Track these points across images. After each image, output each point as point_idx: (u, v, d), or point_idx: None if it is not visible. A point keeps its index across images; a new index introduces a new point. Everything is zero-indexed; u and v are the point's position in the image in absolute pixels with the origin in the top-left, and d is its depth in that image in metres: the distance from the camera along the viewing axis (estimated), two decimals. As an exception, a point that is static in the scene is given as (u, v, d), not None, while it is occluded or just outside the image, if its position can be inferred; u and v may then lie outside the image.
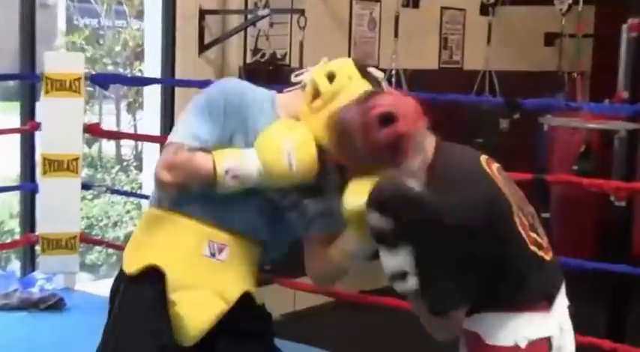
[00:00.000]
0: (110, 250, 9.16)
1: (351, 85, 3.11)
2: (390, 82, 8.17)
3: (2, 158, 7.69)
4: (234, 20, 7.78)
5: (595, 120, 7.36)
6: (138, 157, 10.35)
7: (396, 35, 8.36)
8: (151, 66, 7.80)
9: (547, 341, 2.89)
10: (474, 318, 2.91)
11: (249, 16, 7.76)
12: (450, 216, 2.74)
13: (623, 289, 6.54)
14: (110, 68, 10.49)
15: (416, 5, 8.93)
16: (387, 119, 2.84)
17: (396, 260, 2.83)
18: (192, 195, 3.19)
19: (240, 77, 7.70)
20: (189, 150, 3.15)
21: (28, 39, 6.73)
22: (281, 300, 7.94)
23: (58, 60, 6.74)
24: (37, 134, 6.60)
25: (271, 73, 8.09)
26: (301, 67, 7.58)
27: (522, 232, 2.88)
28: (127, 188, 9.73)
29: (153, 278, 3.23)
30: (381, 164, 2.89)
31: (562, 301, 3.02)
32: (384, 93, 3.02)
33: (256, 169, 3.09)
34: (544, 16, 9.45)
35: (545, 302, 2.92)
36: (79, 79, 6.45)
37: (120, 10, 10.98)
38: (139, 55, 9.54)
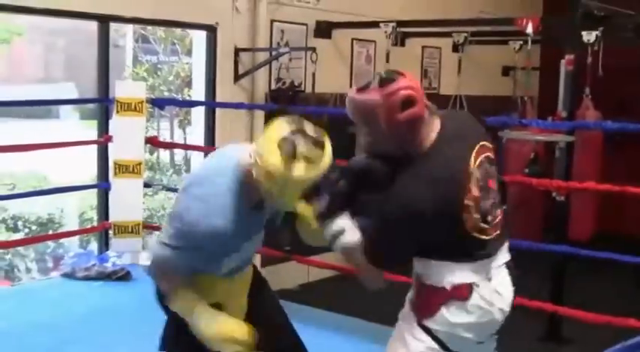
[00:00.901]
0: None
1: (288, 180, 2.81)
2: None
3: (83, 163, 7.67)
4: (262, 56, 7.75)
5: (541, 134, 7.35)
6: (187, 162, 10.35)
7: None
8: (197, 92, 7.80)
9: (469, 286, 2.86)
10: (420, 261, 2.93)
11: (273, 53, 7.79)
12: (400, 195, 2.73)
13: (562, 264, 6.60)
14: (166, 94, 10.48)
15: (402, 44, 8.92)
16: (407, 103, 2.74)
17: (334, 224, 2.85)
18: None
19: (266, 101, 7.73)
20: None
21: (104, 71, 6.72)
22: (297, 273, 7.97)
23: (126, 87, 6.77)
24: (110, 145, 6.61)
25: (290, 97, 8.09)
26: (314, 93, 7.65)
27: (467, 219, 2.78)
28: (179, 186, 9.71)
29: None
30: (399, 139, 2.79)
31: (499, 270, 2.96)
32: (402, 78, 2.79)
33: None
34: (501, 53, 9.44)
35: (468, 259, 2.86)
36: (141, 102, 6.46)
37: (174, 48, 10.99)
38: (188, 83, 9.54)
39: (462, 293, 2.86)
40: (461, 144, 2.85)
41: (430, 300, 2.91)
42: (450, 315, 2.86)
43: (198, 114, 7.81)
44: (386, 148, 2.86)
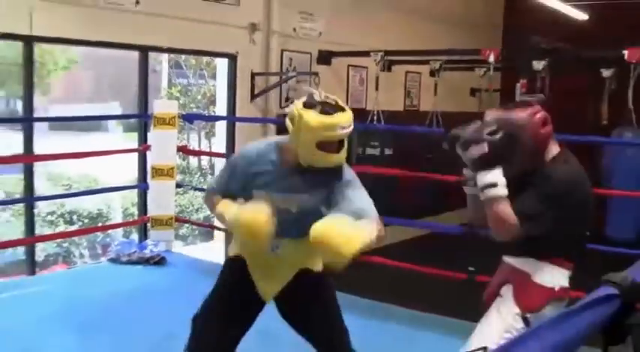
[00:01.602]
0: (194, 226, 9.13)
1: (302, 119, 2.87)
2: (372, 120, 8.19)
3: (127, 168, 7.67)
4: (273, 79, 7.76)
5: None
6: (212, 167, 10.35)
7: (376, 89, 8.34)
8: (220, 109, 7.78)
9: (568, 289, 2.79)
10: (527, 262, 2.79)
11: (283, 77, 7.78)
12: (556, 175, 2.70)
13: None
14: (194, 110, 10.49)
15: (389, 70, 8.91)
16: (545, 121, 2.80)
17: (492, 175, 2.69)
18: None
19: (277, 116, 7.72)
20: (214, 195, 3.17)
21: (143, 92, 6.73)
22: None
23: (162, 105, 6.73)
24: (148, 153, 6.59)
25: None
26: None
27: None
28: (204, 187, 9.72)
29: (240, 260, 3.22)
30: (538, 152, 2.79)
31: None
32: (534, 105, 2.85)
33: (228, 223, 3.00)
34: (469, 77, 9.44)
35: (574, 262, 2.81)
36: (174, 117, 6.44)
37: (201, 73, 11.01)
38: (212, 102, 9.54)
39: (565, 294, 2.79)
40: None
41: (536, 297, 2.77)
42: (550, 312, 2.71)
43: (221, 127, 7.83)
44: (522, 161, 2.79)
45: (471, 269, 5.66)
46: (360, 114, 9.11)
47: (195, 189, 8.44)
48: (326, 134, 2.87)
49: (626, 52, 6.45)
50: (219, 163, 7.89)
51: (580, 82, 8.81)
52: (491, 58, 7.31)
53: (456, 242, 6.02)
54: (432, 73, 8.87)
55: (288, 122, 2.97)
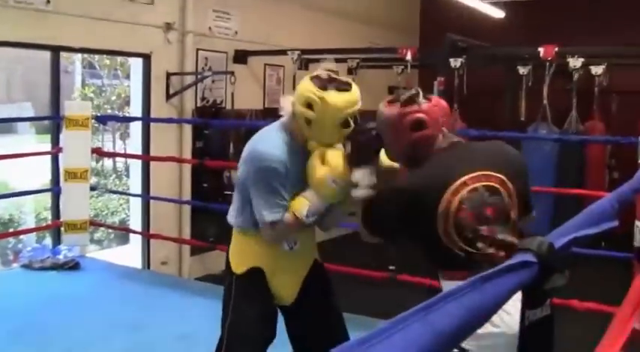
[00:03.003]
0: (109, 230, 9.00)
1: (325, 101, 2.78)
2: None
3: (39, 171, 7.51)
4: (189, 79, 7.72)
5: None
6: (127, 169, 10.20)
7: (294, 88, 8.26)
8: (135, 109, 7.68)
9: None
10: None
11: (199, 76, 7.75)
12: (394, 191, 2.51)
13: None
14: (109, 111, 10.33)
15: (307, 68, 8.91)
16: (418, 126, 2.51)
17: (357, 173, 2.69)
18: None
19: (193, 116, 7.69)
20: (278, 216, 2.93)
21: (55, 93, 6.61)
22: (223, 259, 7.87)
23: (74, 106, 6.63)
24: (61, 155, 6.47)
25: (214, 113, 8.09)
26: (233, 109, 7.61)
27: (443, 234, 2.37)
28: (120, 189, 9.58)
29: (256, 272, 3.07)
30: (404, 154, 2.58)
31: None
32: (426, 102, 2.54)
33: (321, 203, 2.89)
34: (387, 75, 9.51)
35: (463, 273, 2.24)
36: (87, 119, 6.34)
37: (115, 73, 10.86)
38: (127, 102, 9.41)
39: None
40: (454, 165, 2.46)
41: None
42: None
43: (136, 128, 7.73)
44: (395, 156, 2.69)
45: (391, 268, 5.72)
46: (276, 115, 9.13)
47: (111, 191, 8.34)
48: (349, 111, 2.83)
49: (541, 50, 6.59)
50: (135, 165, 7.82)
51: (497, 78, 9.01)
52: (409, 56, 7.41)
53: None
54: (350, 71, 8.91)
55: (303, 110, 2.83)
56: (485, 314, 1.35)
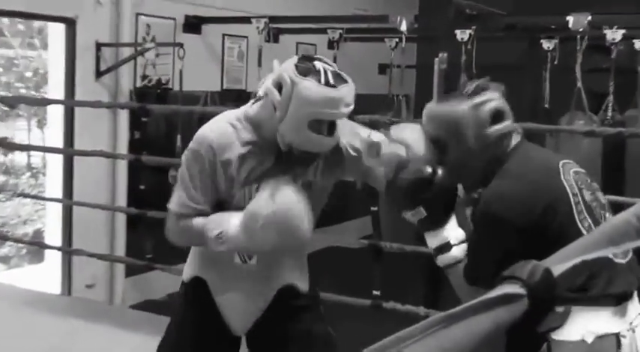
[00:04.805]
0: (20, 244, 8.88)
1: (297, 88, 2.75)
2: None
3: None
4: (126, 51, 7.66)
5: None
6: (45, 166, 10.10)
7: (259, 65, 8.28)
8: (55, 89, 7.61)
9: (615, 338, 2.38)
10: None
11: (138, 49, 7.69)
12: (499, 205, 2.46)
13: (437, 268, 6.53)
14: (23, 91, 10.20)
15: (276, 41, 8.90)
16: (497, 116, 2.56)
17: (438, 235, 2.64)
18: None
19: (131, 99, 7.63)
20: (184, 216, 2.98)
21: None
22: (166, 282, 7.78)
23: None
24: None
25: (159, 95, 8.07)
26: (181, 90, 7.53)
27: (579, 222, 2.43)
28: (35, 191, 9.45)
29: (199, 285, 3.12)
30: (486, 156, 2.57)
31: (635, 304, 2.51)
32: (488, 87, 2.63)
33: (249, 244, 2.88)
34: (377, 50, 9.49)
35: (612, 299, 2.41)
36: (-8, 101, 6.22)
37: (32, 42, 10.75)
38: (46, 80, 9.30)
39: (609, 347, 2.39)
40: (544, 152, 2.74)
41: None
42: None
43: (56, 113, 7.64)
44: (470, 171, 2.63)
45: (375, 293, 5.66)
46: (238, 97, 9.14)
47: (22, 195, 8.19)
48: (325, 111, 2.79)
49: (570, 19, 6.54)
50: (54, 161, 7.74)
51: (515, 55, 8.97)
52: (403, 26, 7.35)
53: (359, 258, 6.00)
54: (331, 45, 8.87)
55: (271, 88, 2.84)
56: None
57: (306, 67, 2.80)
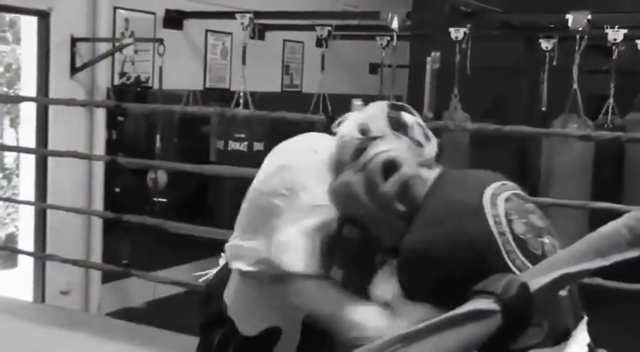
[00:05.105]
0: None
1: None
2: (238, 104, 8.09)
3: None
4: (103, 47, 7.63)
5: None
6: (18, 166, 10.05)
7: (244, 62, 8.24)
8: (27, 86, 7.58)
9: None
10: None
11: (116, 44, 7.68)
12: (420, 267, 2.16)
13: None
14: (-6, 87, 10.17)
15: (262, 38, 8.88)
16: (389, 168, 2.22)
17: None
18: None
19: (108, 97, 7.61)
20: None
21: None
22: (144, 290, 7.76)
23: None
24: None
25: (139, 94, 8.11)
26: (161, 89, 7.48)
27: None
28: (9, 193, 9.39)
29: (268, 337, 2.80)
30: (393, 211, 2.25)
31: (581, 337, 2.22)
32: (374, 141, 2.27)
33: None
34: (368, 49, 9.48)
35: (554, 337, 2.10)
36: (-38, 97, 6.17)
37: (3, 36, 10.70)
38: (19, 76, 9.26)
39: None
40: (473, 179, 2.35)
41: None
42: None
43: (29, 111, 7.60)
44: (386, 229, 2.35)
45: None
46: (222, 97, 9.12)
47: (-5, 198, 8.16)
48: None
49: (570, 17, 6.53)
50: (27, 162, 7.73)
51: (512, 55, 8.97)
52: (395, 24, 7.33)
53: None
54: (320, 43, 8.84)
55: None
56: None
57: (396, 119, 2.33)
